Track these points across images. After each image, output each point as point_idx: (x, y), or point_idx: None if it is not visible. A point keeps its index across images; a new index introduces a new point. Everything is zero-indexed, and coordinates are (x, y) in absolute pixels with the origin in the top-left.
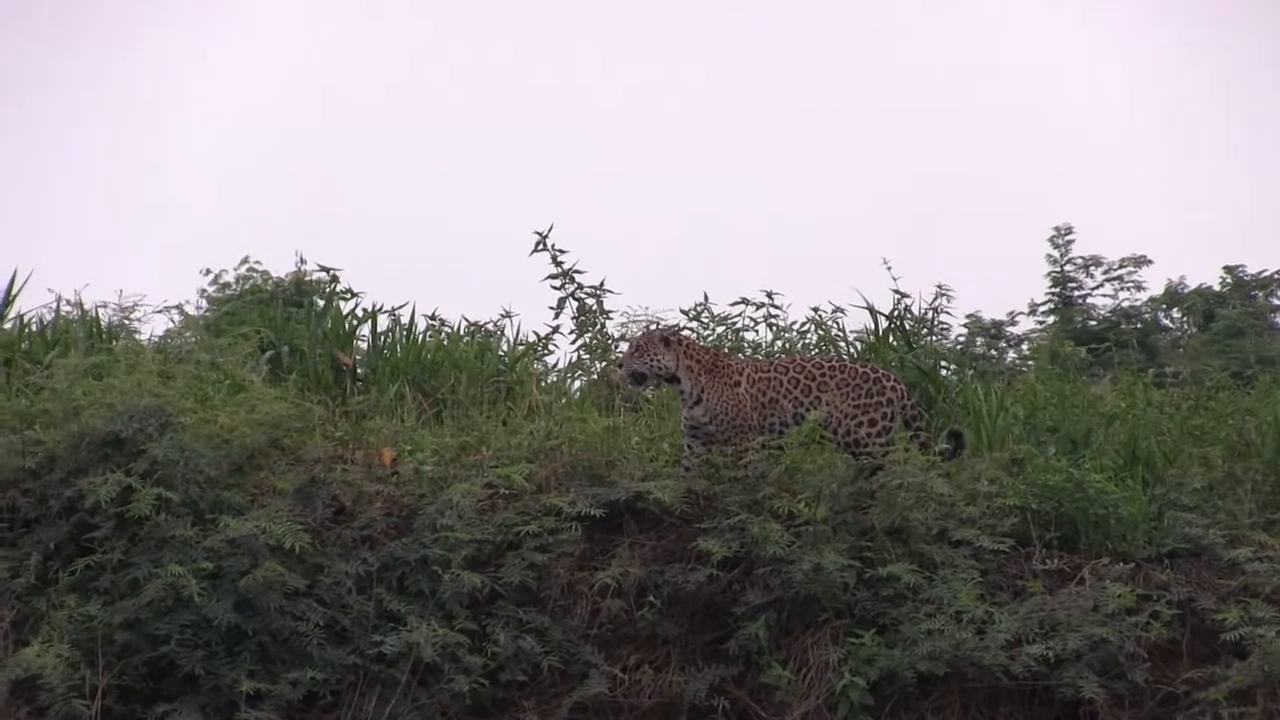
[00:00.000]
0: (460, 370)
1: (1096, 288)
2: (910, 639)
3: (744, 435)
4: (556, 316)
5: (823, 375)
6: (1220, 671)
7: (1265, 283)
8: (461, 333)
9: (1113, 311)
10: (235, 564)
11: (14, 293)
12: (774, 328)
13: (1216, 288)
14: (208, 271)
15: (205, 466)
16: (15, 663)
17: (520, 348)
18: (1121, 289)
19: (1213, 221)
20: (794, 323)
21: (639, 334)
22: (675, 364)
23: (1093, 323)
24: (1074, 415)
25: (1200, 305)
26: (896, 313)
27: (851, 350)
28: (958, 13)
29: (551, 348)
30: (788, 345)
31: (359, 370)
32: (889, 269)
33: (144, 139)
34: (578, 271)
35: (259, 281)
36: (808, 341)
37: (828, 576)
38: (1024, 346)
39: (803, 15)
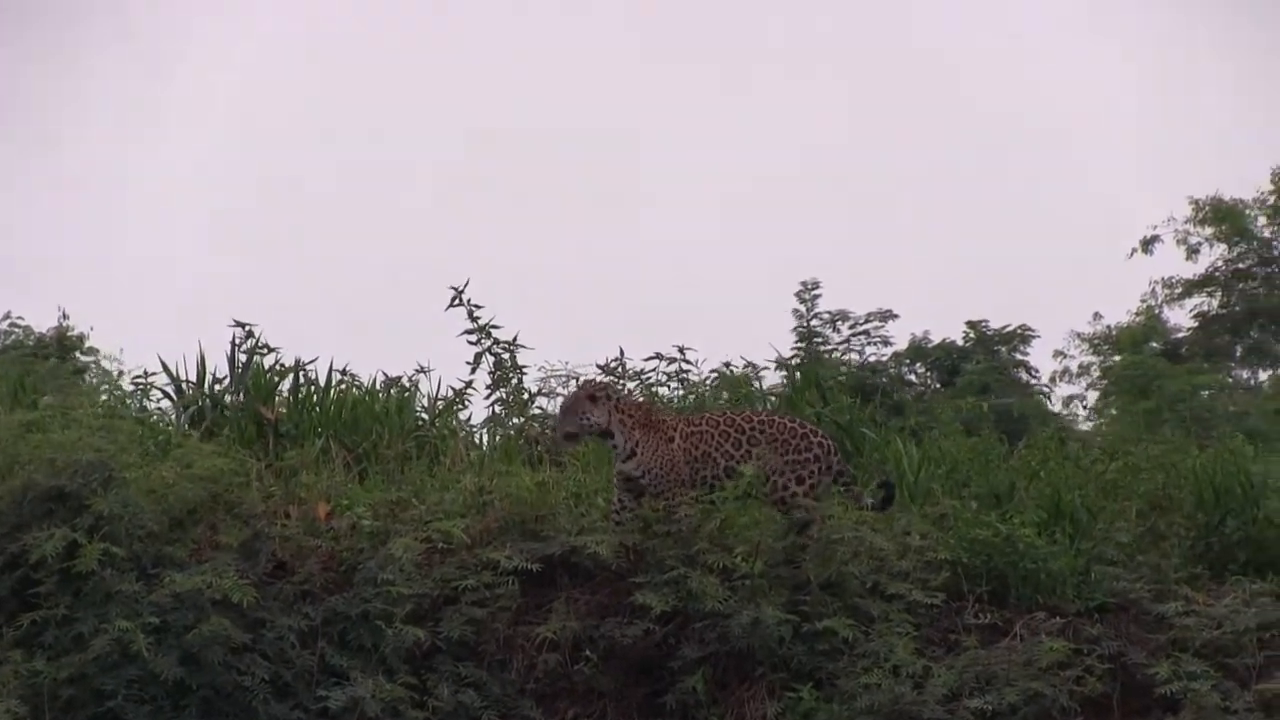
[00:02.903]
0: (382, 425)
1: (843, 342)
2: (848, 693)
3: (677, 490)
4: (473, 371)
5: (753, 430)
6: None
7: (1008, 338)
8: (378, 387)
9: (860, 366)
10: (180, 618)
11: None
12: (684, 384)
13: (960, 342)
14: None
15: (148, 521)
16: None
17: (440, 403)
18: (869, 343)
19: (954, 276)
20: (705, 377)
21: (568, 394)
22: (606, 419)
23: (841, 377)
24: (995, 470)
25: (944, 360)
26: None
27: (768, 405)
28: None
29: (467, 402)
30: (700, 401)
31: (281, 426)
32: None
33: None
34: (494, 327)
35: (20, 336)
36: (720, 398)
37: (765, 630)
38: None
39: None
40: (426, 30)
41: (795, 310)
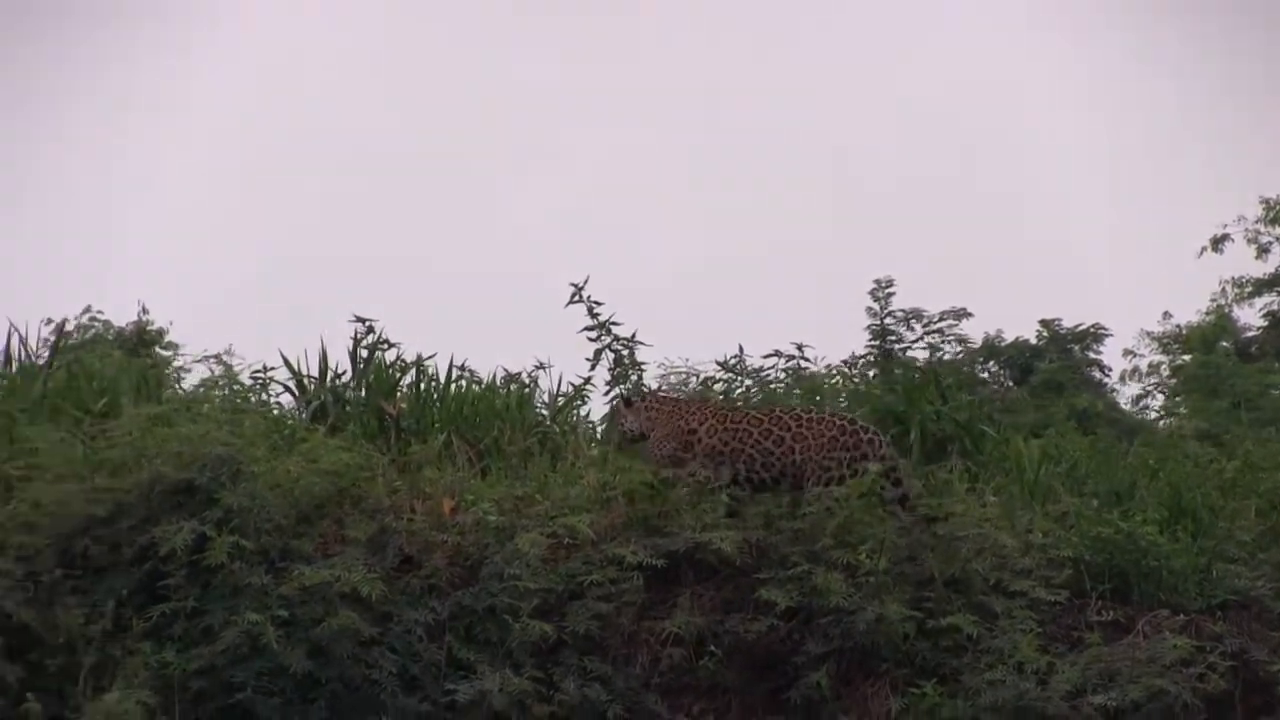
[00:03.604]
0: (503, 420)
1: (916, 341)
2: (972, 689)
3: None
4: (593, 368)
5: (798, 425)
6: None
7: (1081, 336)
8: (498, 383)
9: (933, 364)
10: (309, 612)
11: (62, 342)
12: (799, 380)
13: (1033, 341)
14: (49, 320)
15: (276, 515)
16: (96, 709)
17: (560, 399)
18: (942, 342)
19: (1029, 275)
20: (823, 372)
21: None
22: (639, 424)
23: (915, 376)
24: (1115, 469)
25: (1018, 358)
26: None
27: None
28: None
29: (586, 398)
30: (816, 398)
31: (402, 421)
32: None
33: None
34: (614, 323)
35: (100, 331)
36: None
37: (889, 626)
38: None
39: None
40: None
41: (869, 309)
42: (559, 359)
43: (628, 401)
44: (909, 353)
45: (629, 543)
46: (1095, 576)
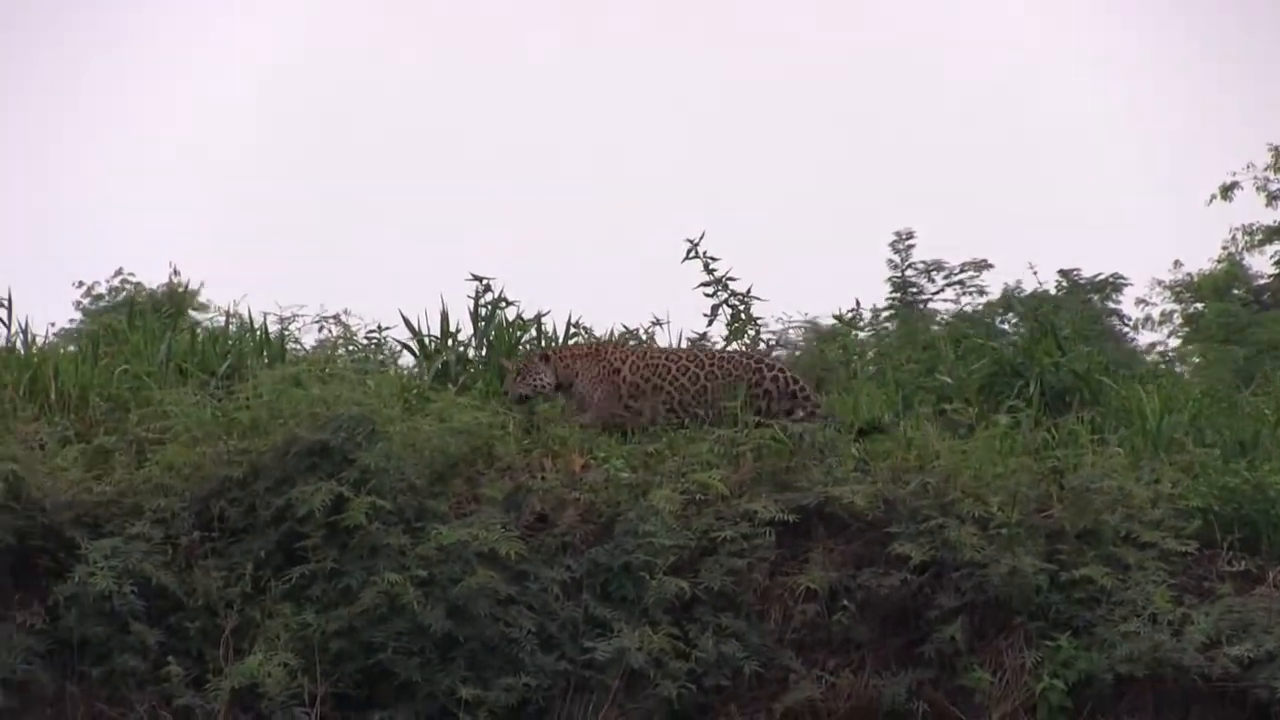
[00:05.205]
0: None
1: (937, 292)
2: (1107, 641)
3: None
4: (710, 324)
5: (711, 365)
6: None
7: (1100, 286)
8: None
9: (955, 316)
10: (447, 571)
11: (186, 302)
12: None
13: (1053, 291)
14: (80, 283)
15: (411, 475)
16: (238, 671)
17: None
18: (964, 294)
19: (1047, 223)
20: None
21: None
22: (554, 377)
23: (935, 328)
24: (1237, 418)
25: (1038, 309)
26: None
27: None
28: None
29: None
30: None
31: None
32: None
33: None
34: (730, 279)
35: (132, 293)
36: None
37: (1023, 579)
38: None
39: None
40: None
41: (889, 260)
42: (676, 313)
43: (544, 356)
44: (930, 304)
45: (760, 498)
46: (1224, 527)
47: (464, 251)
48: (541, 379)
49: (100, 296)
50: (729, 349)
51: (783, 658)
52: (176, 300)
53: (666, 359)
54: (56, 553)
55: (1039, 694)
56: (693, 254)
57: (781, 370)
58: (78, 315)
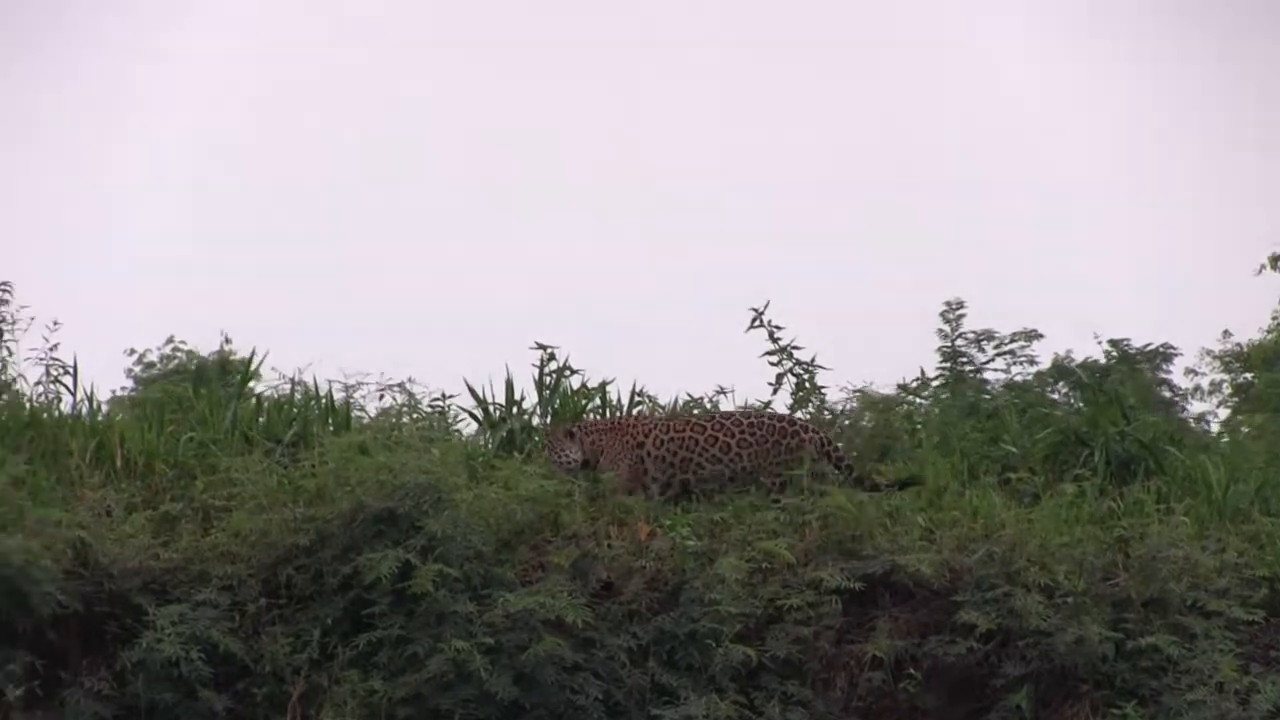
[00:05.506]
0: None
1: (988, 362)
2: (1173, 710)
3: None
4: (774, 393)
5: (742, 432)
6: None
7: (1150, 356)
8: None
9: (1005, 386)
10: (513, 639)
11: (251, 371)
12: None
13: (1102, 360)
14: (131, 351)
15: (478, 542)
16: None
17: None
18: (1014, 363)
19: (1094, 295)
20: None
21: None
22: (581, 452)
23: (986, 397)
24: None
25: (1088, 379)
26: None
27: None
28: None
29: None
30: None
31: None
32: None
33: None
34: (795, 347)
35: (184, 361)
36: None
37: (1089, 648)
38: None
39: None
40: None
41: (940, 330)
42: (740, 383)
43: (569, 433)
44: (980, 375)
45: (826, 565)
46: None
47: (528, 320)
48: (568, 454)
49: (152, 364)
50: (752, 412)
51: None
52: (239, 369)
53: (691, 429)
54: (124, 619)
55: None
56: (757, 323)
57: (815, 430)
58: (129, 382)
